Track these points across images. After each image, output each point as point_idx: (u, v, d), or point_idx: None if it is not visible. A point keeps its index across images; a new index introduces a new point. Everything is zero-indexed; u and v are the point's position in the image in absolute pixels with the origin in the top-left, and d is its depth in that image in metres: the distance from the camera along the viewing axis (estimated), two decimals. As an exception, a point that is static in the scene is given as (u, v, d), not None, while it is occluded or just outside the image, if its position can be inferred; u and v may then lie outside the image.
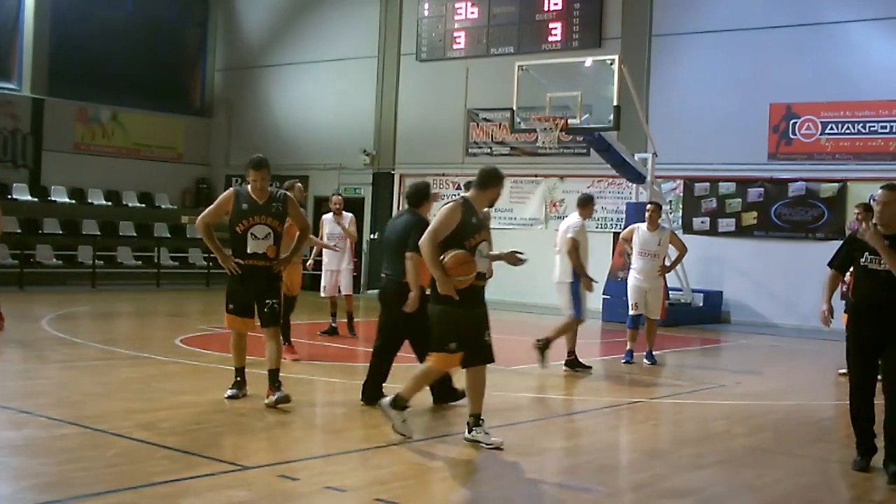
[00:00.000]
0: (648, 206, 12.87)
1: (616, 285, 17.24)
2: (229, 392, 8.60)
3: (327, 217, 13.99)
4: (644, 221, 12.68)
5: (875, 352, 6.89)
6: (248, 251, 8.35)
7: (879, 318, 6.86)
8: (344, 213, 13.84)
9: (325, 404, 9.19)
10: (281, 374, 8.47)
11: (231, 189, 8.63)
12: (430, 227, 7.09)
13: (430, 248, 6.96)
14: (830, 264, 7.39)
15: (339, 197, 14.06)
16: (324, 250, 13.81)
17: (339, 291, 13.94)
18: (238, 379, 8.74)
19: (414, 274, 8.18)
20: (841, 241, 7.69)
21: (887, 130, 18.30)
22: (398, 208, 24.19)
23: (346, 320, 14.07)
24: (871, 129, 18.42)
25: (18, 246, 21.42)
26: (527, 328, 16.58)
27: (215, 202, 8.58)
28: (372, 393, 8.51)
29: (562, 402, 9.38)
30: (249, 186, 8.41)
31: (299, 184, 11.27)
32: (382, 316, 8.83)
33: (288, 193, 8.62)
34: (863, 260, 6.99)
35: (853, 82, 18.57)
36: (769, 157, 19.49)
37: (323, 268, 13.95)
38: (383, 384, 8.62)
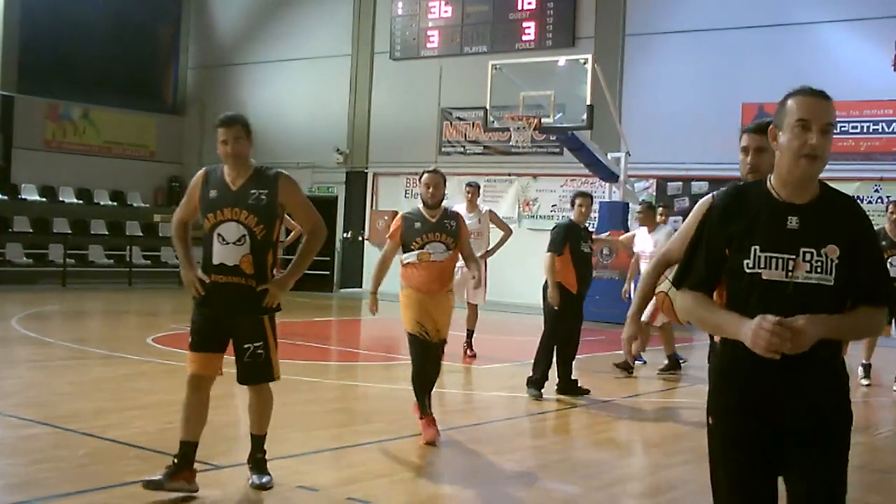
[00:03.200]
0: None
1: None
2: (154, 477, 5.37)
3: None
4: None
5: (774, 465, 3.20)
6: (214, 261, 5.48)
7: (789, 388, 3.10)
8: None
9: (296, 403, 9.16)
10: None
11: (203, 169, 5.84)
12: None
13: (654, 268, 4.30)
14: (678, 281, 3.29)
15: None
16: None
17: None
18: (175, 461, 5.45)
19: (549, 273, 9.60)
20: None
21: (858, 130, 18.47)
22: (371, 207, 24.21)
23: None
24: (842, 129, 18.55)
25: (-12, 244, 21.26)
26: (501, 327, 16.62)
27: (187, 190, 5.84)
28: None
29: (534, 401, 9.41)
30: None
31: (430, 174, 7.52)
32: None
33: (283, 172, 5.63)
34: (749, 262, 3.09)
35: (824, 83, 18.02)
36: (741, 157, 19.59)
37: None
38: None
